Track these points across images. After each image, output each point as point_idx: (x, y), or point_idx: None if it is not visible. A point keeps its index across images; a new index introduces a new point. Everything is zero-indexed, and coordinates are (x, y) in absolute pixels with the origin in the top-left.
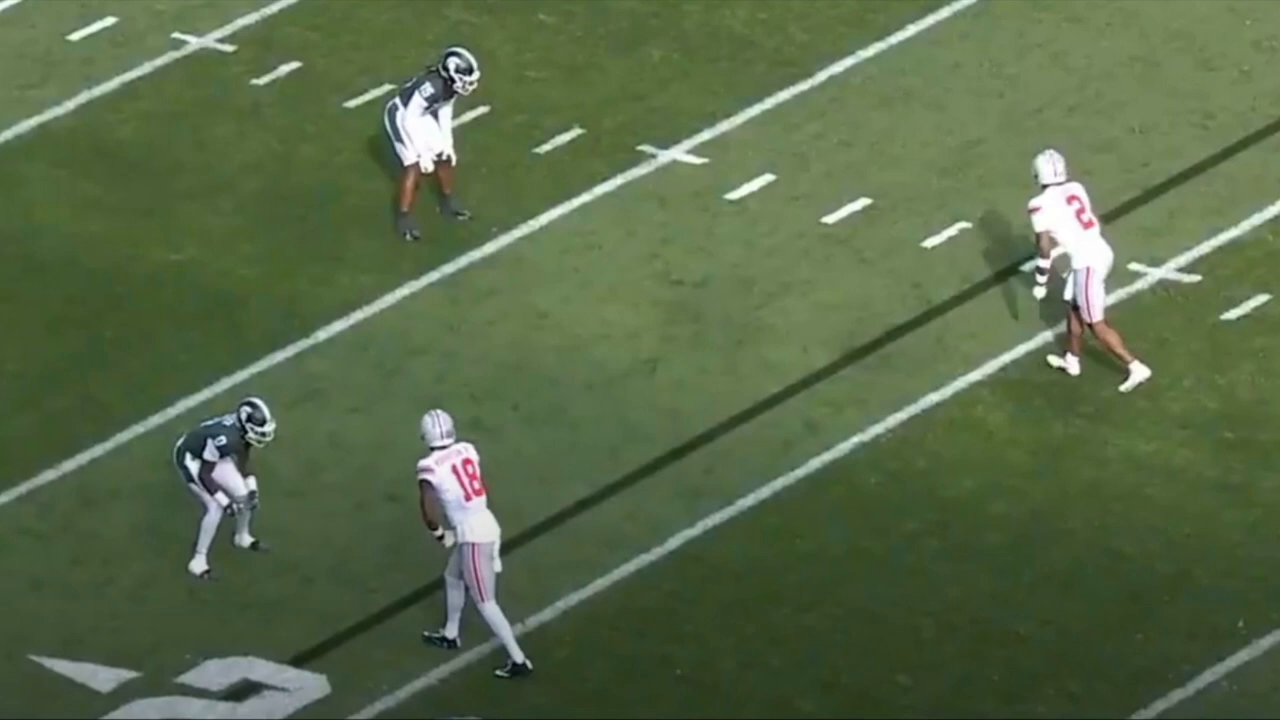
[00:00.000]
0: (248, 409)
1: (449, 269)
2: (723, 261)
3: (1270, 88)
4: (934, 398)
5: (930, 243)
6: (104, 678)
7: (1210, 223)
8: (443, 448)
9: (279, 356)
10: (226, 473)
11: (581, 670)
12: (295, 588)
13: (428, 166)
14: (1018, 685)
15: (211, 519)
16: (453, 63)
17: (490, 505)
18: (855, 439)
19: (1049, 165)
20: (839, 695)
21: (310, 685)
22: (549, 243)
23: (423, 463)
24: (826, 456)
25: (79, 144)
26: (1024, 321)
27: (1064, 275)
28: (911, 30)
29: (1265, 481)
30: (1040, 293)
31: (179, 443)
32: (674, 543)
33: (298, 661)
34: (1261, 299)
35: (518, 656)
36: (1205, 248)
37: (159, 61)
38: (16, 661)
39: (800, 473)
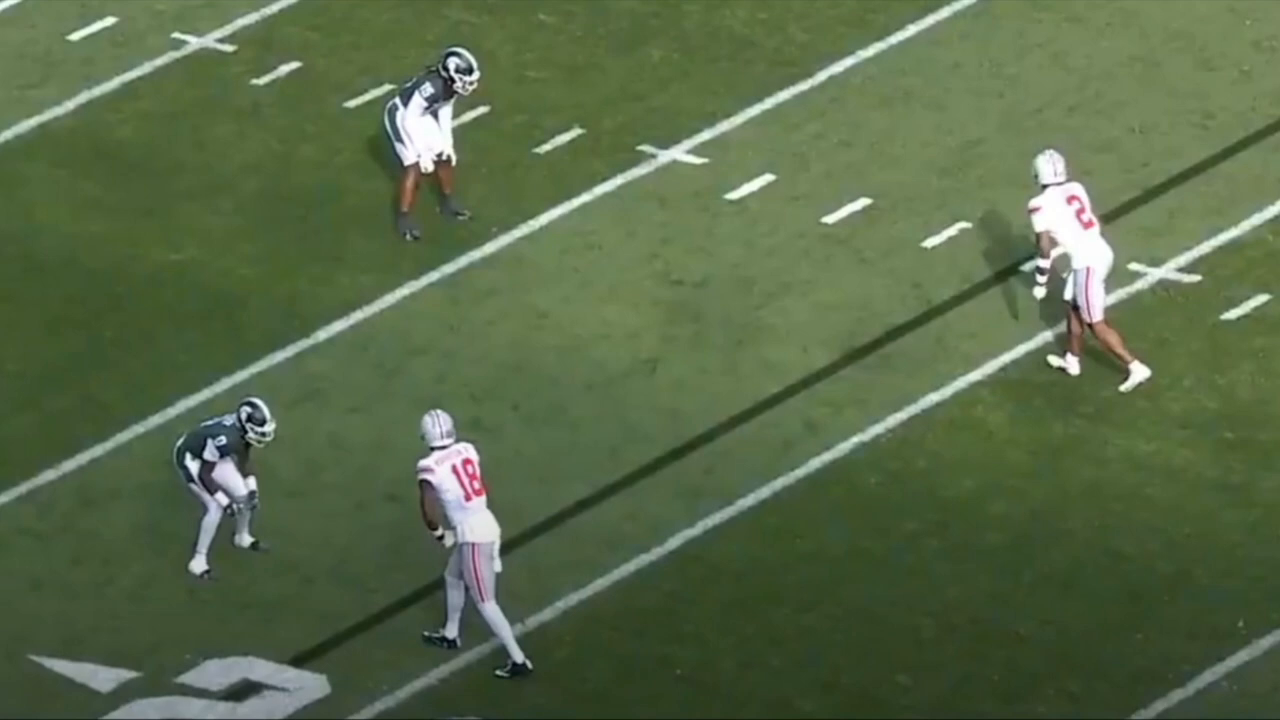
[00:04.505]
0: (248, 409)
1: (449, 269)
2: (723, 261)
3: (1270, 88)
4: (934, 398)
5: (930, 243)
6: (104, 678)
7: (1210, 223)
8: (443, 448)
9: (279, 356)
10: (226, 473)
11: (581, 670)
12: (295, 588)
13: (428, 166)
14: (1018, 685)
15: (211, 519)
16: (453, 63)
17: (490, 505)
18: (855, 439)
19: (1049, 165)
20: (839, 695)
21: (310, 685)
22: (549, 243)
23: (423, 463)
24: (826, 456)
25: (79, 144)
26: (1024, 321)
27: (1064, 275)
28: (911, 30)
29: (1265, 481)
30: (1040, 293)
31: (179, 443)
32: (674, 543)
33: (298, 661)
34: (1261, 299)
35: (518, 656)
36: (1205, 248)
37: (159, 61)
38: (16, 661)
39: (800, 473)
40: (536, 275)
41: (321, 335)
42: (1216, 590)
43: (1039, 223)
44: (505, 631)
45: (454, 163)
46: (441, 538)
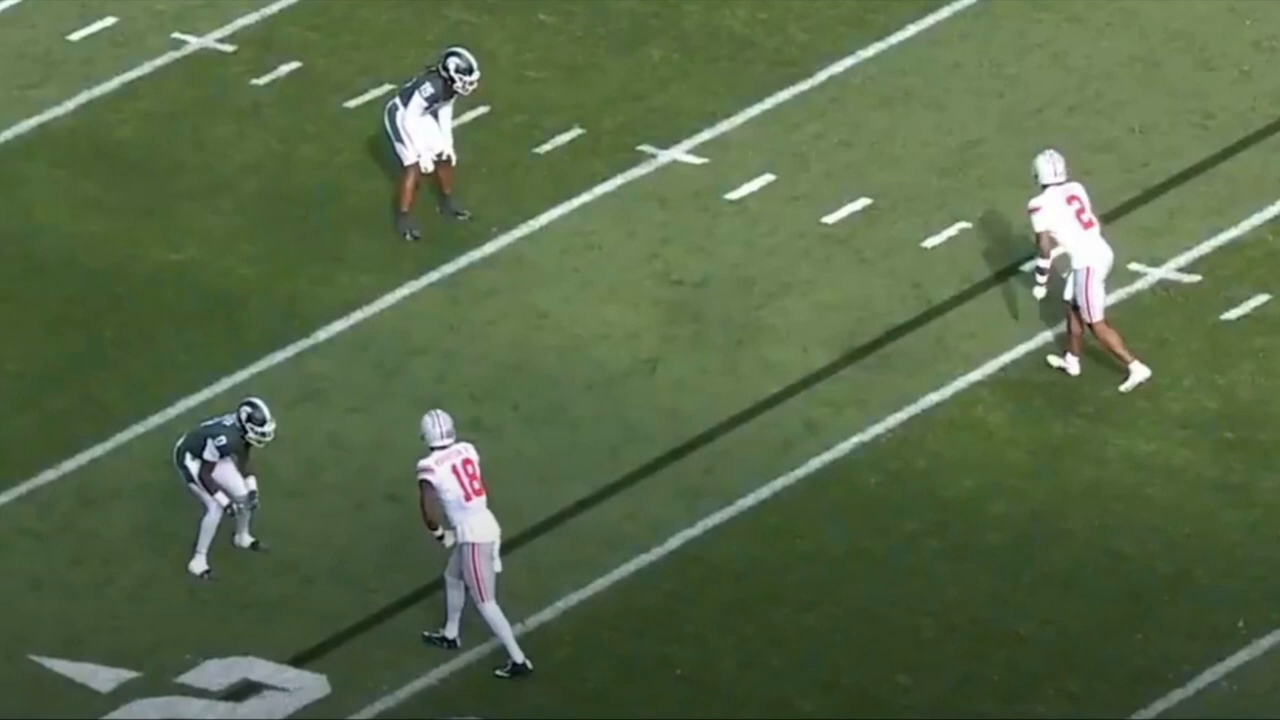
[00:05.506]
0: (248, 409)
1: (449, 269)
2: (723, 261)
3: (1270, 88)
4: (934, 398)
5: (930, 243)
6: (104, 678)
7: (1210, 223)
8: (443, 448)
9: (279, 356)
10: (226, 473)
11: (581, 670)
12: (295, 588)
13: (428, 166)
14: (1018, 685)
15: (211, 519)
16: (453, 63)
17: (490, 505)
18: (855, 439)
19: (1049, 165)
20: (839, 695)
21: (310, 685)
22: (549, 243)
23: (423, 463)
24: (826, 456)
25: (79, 144)
26: (1024, 321)
27: (1064, 275)
28: (911, 30)
29: (1265, 481)
30: (1040, 293)
31: (179, 443)
32: (674, 543)
33: (298, 661)
34: (1261, 299)
35: (518, 656)
36: (1205, 248)
37: (159, 61)
38: (16, 661)
39: (800, 473)
40: (536, 275)
41: (321, 335)
42: (1216, 590)
43: (1039, 223)
44: (505, 631)
45: (454, 163)
46: (441, 538)
